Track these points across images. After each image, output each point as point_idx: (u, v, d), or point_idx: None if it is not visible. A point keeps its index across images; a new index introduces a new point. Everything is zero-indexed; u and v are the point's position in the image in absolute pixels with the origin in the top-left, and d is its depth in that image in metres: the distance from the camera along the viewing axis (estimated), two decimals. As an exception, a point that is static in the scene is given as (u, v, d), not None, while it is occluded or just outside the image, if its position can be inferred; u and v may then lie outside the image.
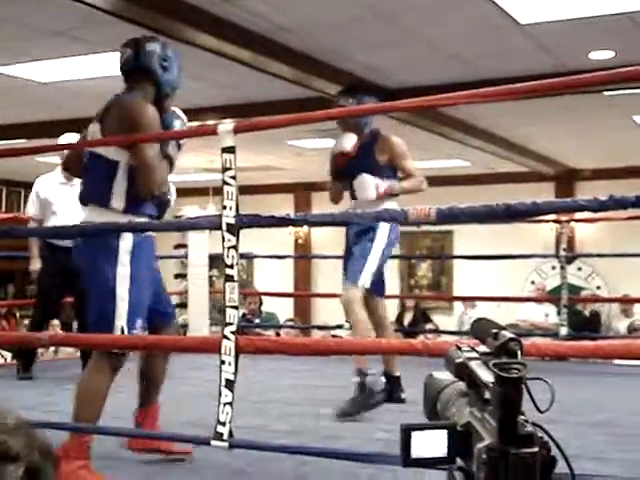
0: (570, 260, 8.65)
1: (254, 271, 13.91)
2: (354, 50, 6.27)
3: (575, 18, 5.45)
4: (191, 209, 8.78)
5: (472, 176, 12.32)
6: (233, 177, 3.12)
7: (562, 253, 7.07)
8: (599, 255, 9.49)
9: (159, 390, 3.55)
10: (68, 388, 5.54)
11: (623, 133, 9.15)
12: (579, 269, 11.52)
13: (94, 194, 3.34)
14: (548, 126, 8.86)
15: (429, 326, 11.21)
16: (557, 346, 3.57)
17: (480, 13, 5.38)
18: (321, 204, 10.79)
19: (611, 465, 3.37)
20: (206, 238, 7.83)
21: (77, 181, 5.82)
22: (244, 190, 3.26)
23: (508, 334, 1.07)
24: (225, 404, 3.10)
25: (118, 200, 3.27)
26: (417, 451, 1.04)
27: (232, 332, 3.12)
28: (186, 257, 8.25)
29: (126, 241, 3.26)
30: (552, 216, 6.99)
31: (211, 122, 5.46)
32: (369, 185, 4.50)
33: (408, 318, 11.73)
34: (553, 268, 10.66)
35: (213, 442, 3.10)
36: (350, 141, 4.53)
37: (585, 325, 9.56)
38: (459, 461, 1.06)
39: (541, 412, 1.05)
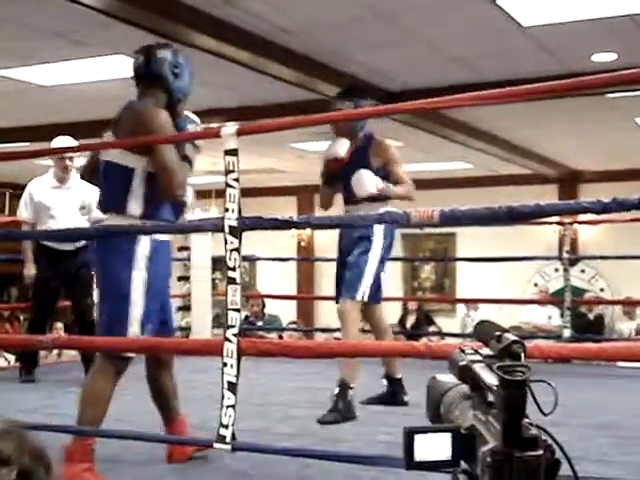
0: (573, 262, 8.65)
1: (257, 273, 13.90)
2: (356, 52, 6.27)
3: (577, 20, 5.45)
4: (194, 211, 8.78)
5: (474, 178, 12.31)
6: (236, 179, 3.12)
7: (565, 255, 7.06)
8: (602, 257, 9.47)
9: (177, 400, 3.56)
10: (70, 391, 5.56)
11: (626, 135, 9.14)
12: (582, 271, 11.51)
13: (112, 202, 3.37)
14: (551, 128, 8.85)
15: (432, 328, 11.21)
16: (560, 348, 3.57)
17: (483, 15, 5.38)
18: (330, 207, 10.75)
19: (615, 468, 3.36)
20: (209, 241, 7.85)
21: (71, 184, 5.86)
22: (247, 192, 3.25)
23: (511, 337, 1.07)
24: (228, 407, 3.10)
25: (135, 206, 3.29)
26: (420, 454, 1.04)
27: (234, 335, 3.12)
28: (189, 259, 8.26)
29: (143, 245, 3.28)
30: (555, 218, 6.98)
31: (213, 125, 5.46)
32: (368, 180, 4.44)
33: (411, 321, 11.73)
34: (556, 270, 10.65)
35: (216, 445, 3.10)
36: (344, 147, 4.49)
37: (588, 327, 9.55)
38: (463, 464, 1.06)
39: (545, 415, 1.04)
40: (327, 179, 4.72)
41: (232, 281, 3.15)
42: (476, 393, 1.10)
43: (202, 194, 11.78)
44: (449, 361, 1.20)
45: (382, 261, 4.57)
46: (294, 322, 12.07)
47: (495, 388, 1.00)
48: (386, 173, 4.55)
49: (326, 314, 11.77)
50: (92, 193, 5.86)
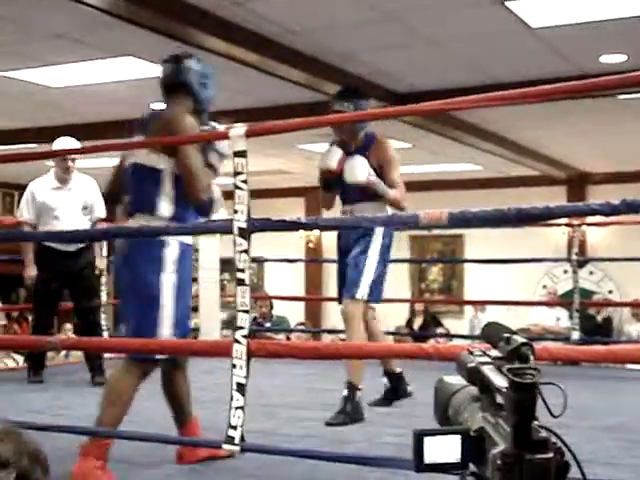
0: (582, 264, 8.64)
1: (265, 275, 13.91)
2: (363, 53, 6.27)
3: (586, 22, 5.44)
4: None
5: (484, 180, 12.29)
6: (244, 181, 3.12)
7: (574, 257, 7.06)
8: (611, 259, 9.45)
9: (191, 402, 3.56)
10: (78, 392, 5.58)
11: (635, 137, 9.11)
12: (591, 273, 11.48)
13: (142, 203, 3.38)
14: (560, 130, 8.83)
15: (440, 330, 11.20)
16: (569, 351, 3.56)
17: (491, 17, 5.38)
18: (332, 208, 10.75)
19: (623, 470, 3.35)
20: (217, 242, 7.86)
21: (72, 185, 5.87)
22: (255, 194, 3.25)
23: (520, 339, 1.07)
24: (236, 408, 3.10)
25: (164, 208, 3.32)
26: (430, 456, 1.04)
27: (243, 336, 3.12)
28: (197, 260, 8.27)
29: (172, 249, 3.30)
30: (564, 220, 6.97)
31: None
32: (361, 168, 4.37)
33: (418, 322, 11.73)
34: (565, 272, 10.62)
35: (224, 446, 3.10)
36: (335, 157, 4.46)
37: (597, 329, 9.53)
38: (472, 466, 1.06)
39: (554, 417, 1.04)
40: (324, 186, 4.70)
41: (241, 282, 3.15)
42: (485, 395, 1.10)
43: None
44: (457, 363, 1.20)
45: (383, 261, 4.54)
46: (302, 323, 12.07)
47: (505, 390, 1.00)
48: (381, 174, 4.47)
49: (334, 315, 11.75)
50: (93, 193, 5.92)
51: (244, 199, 3.12)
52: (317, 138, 8.86)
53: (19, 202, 6.27)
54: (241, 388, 3.10)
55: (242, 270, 3.14)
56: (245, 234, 3.13)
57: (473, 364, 1.13)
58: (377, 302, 4.66)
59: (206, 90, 3.49)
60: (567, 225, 7.50)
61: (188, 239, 3.42)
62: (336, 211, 4.80)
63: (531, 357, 1.04)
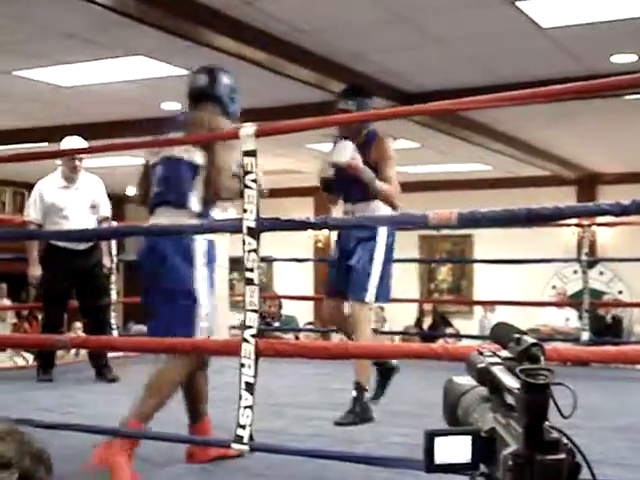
0: (592, 264, 8.60)
1: (274, 274, 13.91)
2: (373, 53, 6.27)
3: (597, 22, 5.42)
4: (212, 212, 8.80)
5: (493, 180, 12.27)
6: (254, 180, 3.12)
7: (584, 257, 7.03)
8: (621, 259, 9.41)
9: (205, 403, 3.57)
10: (87, 390, 5.60)
11: (645, 137, 9.09)
12: (601, 273, 11.45)
13: (174, 195, 3.40)
14: (570, 130, 8.81)
15: (449, 330, 11.18)
16: (579, 351, 3.55)
17: (502, 17, 5.37)
18: (340, 207, 10.76)
19: (633, 471, 3.34)
20: (227, 241, 7.86)
21: (79, 184, 5.90)
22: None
23: (530, 339, 1.06)
24: (245, 407, 3.10)
25: (195, 202, 3.37)
26: (441, 457, 1.04)
27: (252, 335, 3.12)
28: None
29: (200, 243, 3.34)
30: (574, 220, 6.95)
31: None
32: (346, 151, 4.33)
33: (427, 322, 11.71)
34: (575, 272, 10.59)
35: (233, 445, 3.10)
36: (347, 152, 4.43)
37: (606, 330, 9.50)
38: (482, 467, 1.06)
39: (565, 418, 1.04)
40: (324, 189, 4.69)
41: (250, 282, 3.15)
42: (495, 396, 1.10)
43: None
44: (467, 363, 1.19)
45: (388, 260, 4.53)
46: (311, 323, 12.07)
47: (516, 391, 1.00)
48: (377, 170, 4.42)
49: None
50: (99, 192, 5.97)
51: (254, 198, 3.12)
52: (325, 138, 8.87)
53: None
54: (250, 387, 3.11)
55: (251, 269, 3.14)
56: (254, 233, 3.13)
57: (483, 365, 1.13)
58: (387, 301, 4.67)
59: (234, 104, 3.60)
60: (577, 225, 7.48)
61: (210, 236, 3.44)
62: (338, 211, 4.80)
63: (541, 358, 1.04)
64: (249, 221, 3.12)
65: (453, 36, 5.84)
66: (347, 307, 4.57)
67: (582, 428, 2.76)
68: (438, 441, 1.04)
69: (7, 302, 11.94)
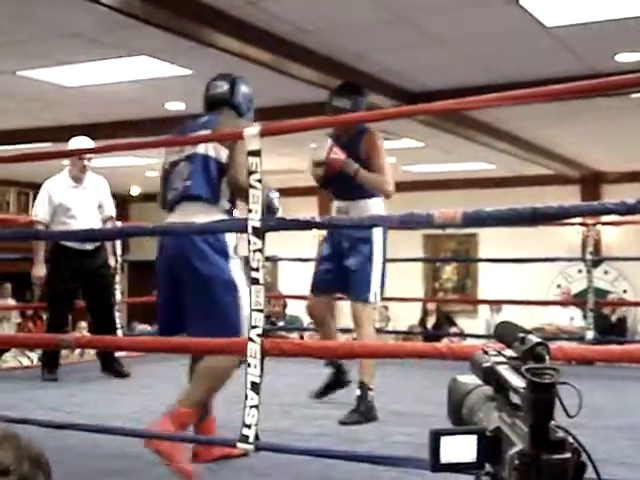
0: (596, 263, 8.60)
1: (278, 274, 13.91)
2: (376, 53, 6.27)
3: (601, 20, 5.41)
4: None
5: (497, 179, 12.27)
6: (259, 180, 3.12)
7: (588, 256, 7.03)
8: (625, 258, 9.41)
9: (211, 402, 3.57)
10: (92, 390, 5.61)
11: (649, 136, 9.07)
12: (605, 272, 11.43)
13: (204, 190, 3.44)
14: (574, 129, 8.80)
15: (454, 329, 11.18)
16: (584, 350, 3.55)
17: (506, 16, 5.36)
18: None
19: (638, 470, 3.34)
20: (233, 239, 7.85)
21: (87, 184, 5.94)
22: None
23: (535, 338, 1.07)
24: (251, 407, 3.10)
25: (224, 199, 3.45)
26: (446, 456, 1.04)
27: (258, 335, 3.12)
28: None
29: (231, 239, 3.38)
30: (578, 219, 6.94)
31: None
32: (322, 148, 4.37)
33: (431, 321, 11.70)
34: (579, 271, 10.58)
35: (239, 444, 3.10)
36: (323, 149, 4.44)
37: (611, 329, 9.49)
38: (487, 466, 1.06)
39: (570, 417, 1.04)
40: (320, 185, 4.71)
41: (255, 282, 3.15)
42: (500, 395, 1.10)
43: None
44: (472, 362, 1.19)
45: (384, 259, 4.54)
46: (315, 322, 12.05)
47: (522, 390, 1.00)
48: (368, 161, 4.43)
49: (347, 314, 11.72)
50: (105, 192, 6.02)
51: (258, 198, 3.12)
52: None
53: (34, 201, 6.31)
54: (255, 387, 3.11)
55: (256, 269, 3.14)
56: (259, 233, 3.13)
57: (488, 364, 1.13)
58: (381, 300, 4.72)
59: (250, 113, 3.69)
60: (581, 224, 7.47)
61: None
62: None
63: (547, 357, 1.04)
64: (254, 221, 3.13)
65: (455, 35, 5.83)
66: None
67: (586, 427, 2.76)
68: (444, 440, 1.04)
69: (11, 302, 11.96)
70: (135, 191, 14.47)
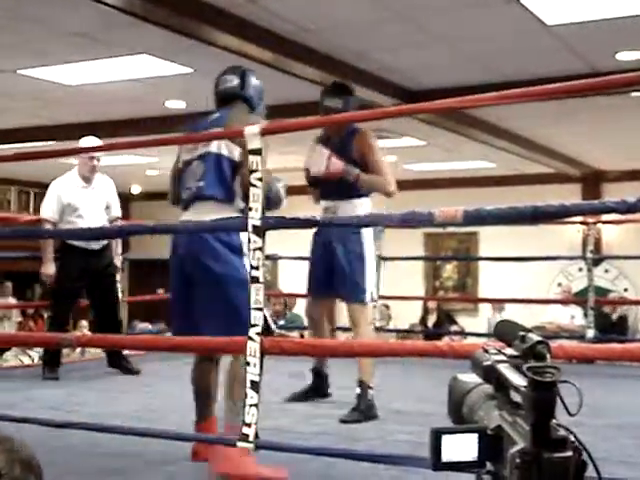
0: (597, 262, 8.59)
1: (278, 272, 13.91)
2: (377, 51, 6.26)
3: (602, 19, 5.41)
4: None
5: (498, 177, 12.26)
6: (259, 179, 3.12)
7: (589, 255, 7.03)
8: (626, 257, 9.41)
9: (215, 402, 3.57)
10: (93, 389, 5.61)
11: (650, 134, 9.07)
12: (606, 271, 11.42)
13: (219, 190, 3.43)
14: (574, 127, 8.80)
15: (454, 328, 11.17)
16: (584, 349, 3.55)
17: (506, 14, 5.35)
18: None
19: (639, 469, 3.34)
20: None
21: (95, 184, 5.97)
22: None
23: (536, 337, 1.06)
24: (251, 405, 3.10)
25: (239, 198, 3.43)
26: (447, 455, 1.04)
27: (257, 333, 3.12)
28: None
29: (243, 237, 3.35)
30: (579, 218, 6.94)
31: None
32: (322, 158, 4.38)
33: (432, 320, 11.69)
34: (580, 270, 10.57)
35: (239, 443, 3.10)
36: (321, 160, 4.44)
37: (612, 327, 9.48)
38: (488, 465, 1.06)
39: (571, 415, 1.04)
40: (310, 184, 4.72)
41: (255, 280, 3.15)
42: (501, 393, 1.10)
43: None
44: (472, 361, 1.19)
45: (372, 257, 4.57)
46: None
47: (523, 389, 1.00)
48: (364, 163, 4.43)
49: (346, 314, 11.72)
50: (112, 192, 6.06)
51: (259, 197, 3.12)
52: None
53: (35, 200, 6.33)
54: (255, 385, 3.11)
55: (256, 268, 3.14)
56: (259, 232, 3.13)
57: (489, 362, 1.13)
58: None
59: (261, 106, 3.72)
60: (582, 223, 7.47)
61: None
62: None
63: (547, 355, 1.04)
64: (254, 219, 3.13)
65: (456, 34, 5.83)
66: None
67: (587, 426, 2.76)
68: (445, 439, 1.04)
69: (12, 300, 11.96)
70: (136, 190, 14.48)
